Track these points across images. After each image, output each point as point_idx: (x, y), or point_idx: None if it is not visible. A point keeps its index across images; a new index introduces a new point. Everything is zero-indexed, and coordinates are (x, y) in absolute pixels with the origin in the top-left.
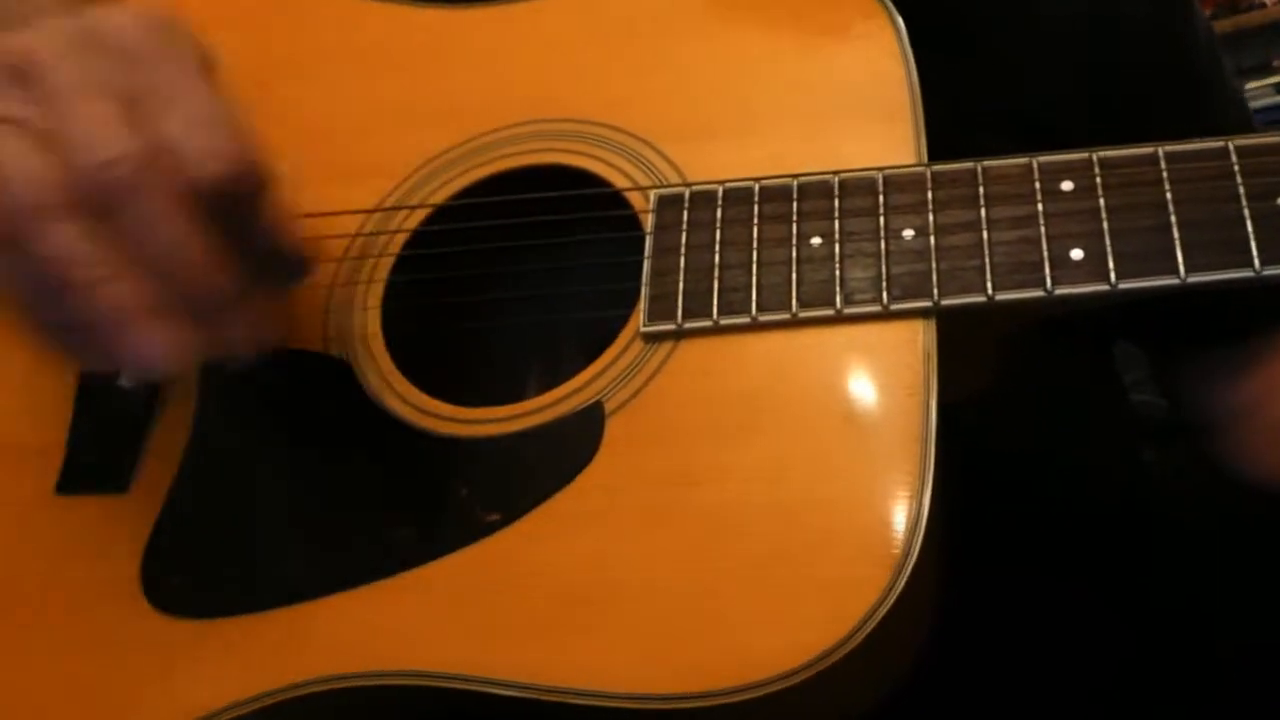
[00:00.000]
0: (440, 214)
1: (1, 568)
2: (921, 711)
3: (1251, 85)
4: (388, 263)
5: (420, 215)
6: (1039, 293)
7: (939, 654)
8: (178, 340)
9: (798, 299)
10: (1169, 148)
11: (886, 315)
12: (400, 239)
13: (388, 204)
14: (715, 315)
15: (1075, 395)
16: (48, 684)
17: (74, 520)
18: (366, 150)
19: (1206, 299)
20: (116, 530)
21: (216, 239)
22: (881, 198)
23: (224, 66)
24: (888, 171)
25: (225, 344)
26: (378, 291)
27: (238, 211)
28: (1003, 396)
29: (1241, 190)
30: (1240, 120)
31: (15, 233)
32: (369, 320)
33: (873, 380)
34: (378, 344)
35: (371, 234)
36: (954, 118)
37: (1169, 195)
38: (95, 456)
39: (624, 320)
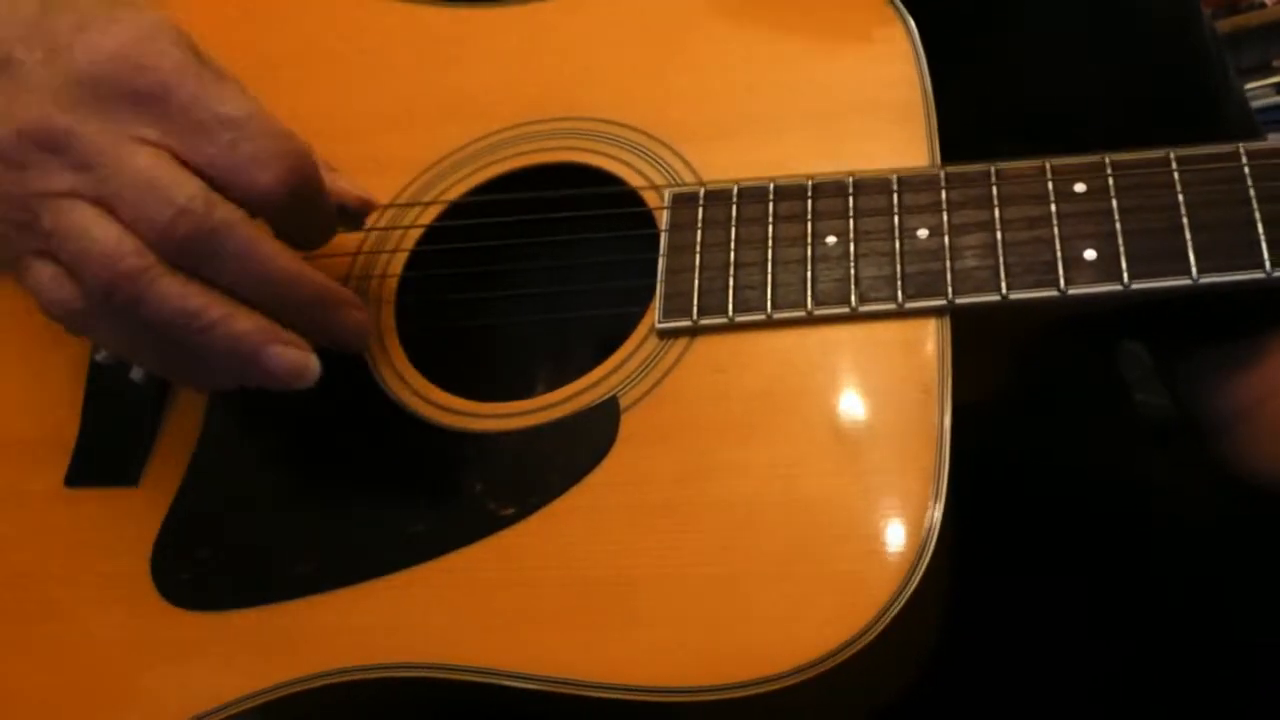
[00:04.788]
0: (454, 210)
1: (12, 559)
2: (926, 710)
3: (1251, 85)
4: (402, 258)
5: (434, 211)
6: (1052, 292)
7: (941, 653)
8: (300, 351)
9: (813, 297)
10: (1180, 151)
11: (901, 314)
12: (414, 234)
13: (402, 199)
14: (730, 312)
15: (1077, 395)
16: (59, 674)
17: (84, 513)
18: (381, 146)
19: (1210, 298)
20: (127, 523)
21: (292, 239)
22: (896, 198)
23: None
24: (902, 172)
25: (343, 340)
26: (392, 286)
27: (303, 195)
28: (1004, 396)
29: (1252, 193)
30: (1247, 130)
31: (115, 301)
32: (383, 315)
33: (887, 378)
34: (391, 338)
35: (386, 229)
36: (963, 121)
37: (1181, 198)
38: (106, 450)
39: (636, 318)
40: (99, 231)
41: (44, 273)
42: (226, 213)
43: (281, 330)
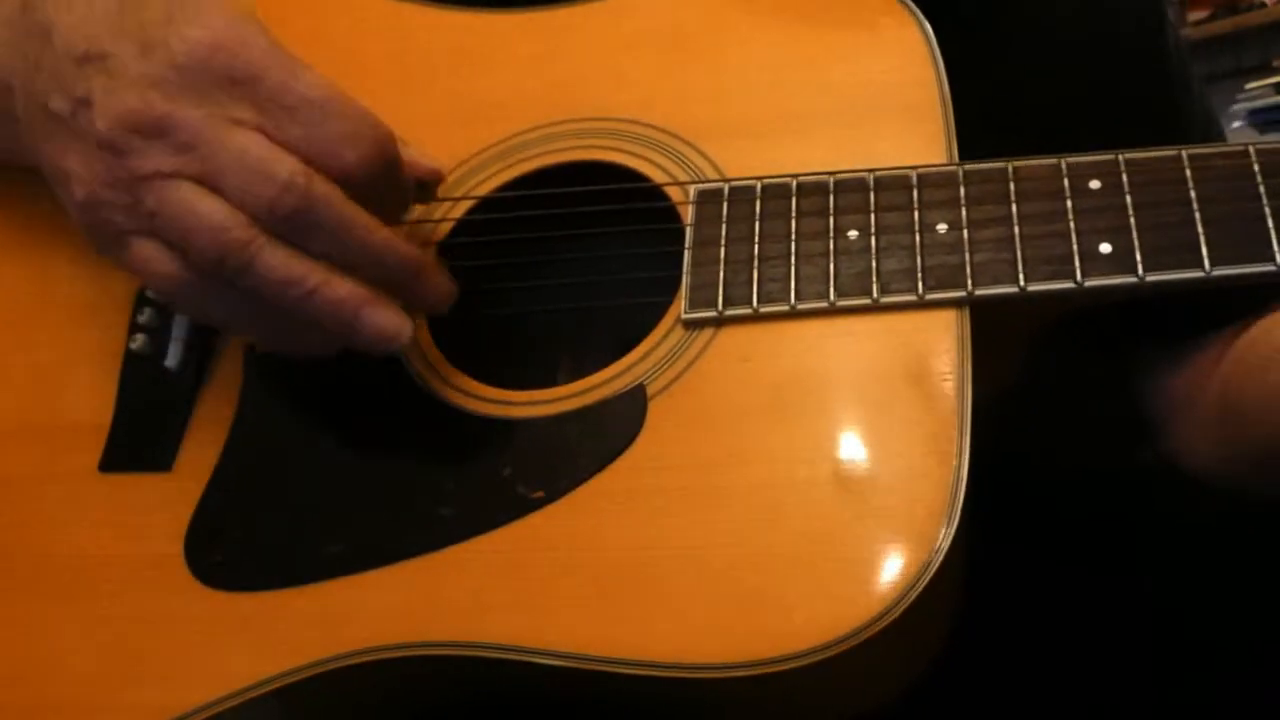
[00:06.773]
0: (484, 205)
1: (47, 543)
2: (925, 708)
3: (1251, 85)
4: (433, 251)
5: (465, 206)
6: (1069, 284)
7: (948, 649)
8: (395, 314)
9: (835, 288)
10: (1192, 150)
11: (921, 305)
12: (446, 228)
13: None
14: (755, 303)
15: (1075, 395)
16: (93, 653)
17: (119, 497)
18: (412, 145)
19: (1149, 301)
20: (160, 506)
21: (379, 214)
22: (916, 194)
23: None
24: (921, 169)
25: (432, 303)
26: None
27: (384, 171)
28: (1002, 396)
29: (1262, 189)
30: (1208, 136)
31: (224, 271)
32: None
33: (908, 366)
34: (422, 328)
35: (418, 222)
36: (960, 123)
37: (1193, 193)
38: (139, 436)
39: (660, 310)
40: (204, 207)
41: (147, 249)
42: (324, 187)
43: (376, 294)
